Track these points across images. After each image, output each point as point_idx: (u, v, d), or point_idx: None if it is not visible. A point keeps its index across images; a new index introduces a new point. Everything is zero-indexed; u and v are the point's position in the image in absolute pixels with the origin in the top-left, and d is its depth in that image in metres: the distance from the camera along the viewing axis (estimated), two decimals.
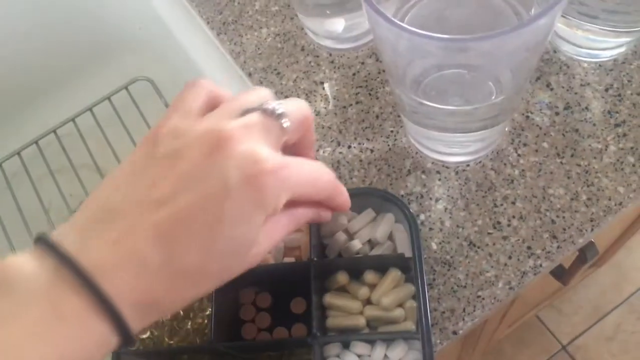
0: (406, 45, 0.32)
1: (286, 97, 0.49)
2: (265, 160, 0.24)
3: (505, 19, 0.36)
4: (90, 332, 0.20)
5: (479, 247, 0.42)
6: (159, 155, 0.24)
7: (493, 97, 0.36)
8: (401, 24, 0.28)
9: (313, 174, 0.27)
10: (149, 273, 0.21)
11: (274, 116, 0.26)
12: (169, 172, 0.23)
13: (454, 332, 0.40)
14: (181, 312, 0.39)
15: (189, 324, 0.39)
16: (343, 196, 0.30)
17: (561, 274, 0.57)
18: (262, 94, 0.28)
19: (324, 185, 0.28)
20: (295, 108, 0.27)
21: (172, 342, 0.38)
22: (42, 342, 0.19)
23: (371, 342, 0.38)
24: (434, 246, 0.42)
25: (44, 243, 0.21)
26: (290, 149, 0.28)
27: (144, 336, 0.39)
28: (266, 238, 0.26)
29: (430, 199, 0.43)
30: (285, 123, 0.26)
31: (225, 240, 0.23)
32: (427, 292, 0.37)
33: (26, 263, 0.21)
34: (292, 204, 0.27)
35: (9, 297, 0.20)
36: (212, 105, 0.27)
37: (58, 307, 0.20)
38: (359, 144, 0.46)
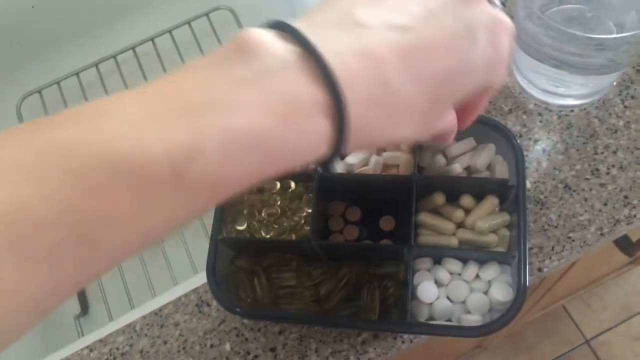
0: None
1: None
2: (508, 24, 0.25)
3: None
4: (313, 126, 0.20)
5: (574, 191, 0.42)
6: None
7: (612, 36, 0.35)
8: None
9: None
10: (385, 93, 0.21)
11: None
12: (419, 4, 0.23)
13: (539, 269, 0.41)
14: (278, 210, 0.40)
15: (286, 221, 0.39)
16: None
17: (628, 246, 0.57)
18: None
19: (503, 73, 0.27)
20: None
21: (268, 236, 0.39)
22: (265, 116, 0.19)
23: (464, 261, 0.38)
24: (528, 185, 0.42)
25: (289, 30, 0.21)
26: None
27: (241, 228, 0.40)
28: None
29: (529, 139, 0.43)
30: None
31: (454, 82, 0.24)
32: (527, 218, 0.37)
33: (272, 40, 0.20)
34: None
35: (249, 65, 0.20)
36: None
37: (295, 90, 0.20)
38: None
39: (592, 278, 1.11)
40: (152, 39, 0.76)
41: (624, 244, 0.57)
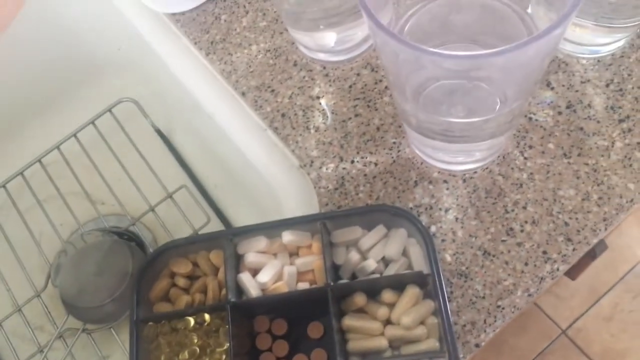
0: (411, 60, 0.31)
1: (283, 115, 0.47)
2: None
3: (510, 23, 0.35)
4: None
5: (494, 256, 0.41)
6: None
7: (497, 108, 0.35)
8: (408, 41, 0.27)
9: None
10: None
11: None
12: None
13: (477, 345, 0.39)
14: (197, 350, 0.38)
15: (207, 358, 0.37)
16: None
17: (569, 270, 0.57)
18: None
19: None
20: None
21: None
22: None
23: None
24: (448, 258, 0.41)
25: None
26: None
27: None
28: None
29: (440, 209, 0.43)
30: None
31: None
32: (449, 307, 0.36)
33: None
34: None
35: None
36: None
37: None
38: (362, 157, 0.45)
39: None
40: (57, 147, 0.73)
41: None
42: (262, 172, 0.51)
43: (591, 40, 0.43)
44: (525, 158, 0.43)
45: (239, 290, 0.39)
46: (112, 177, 0.71)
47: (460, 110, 0.35)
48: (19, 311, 0.68)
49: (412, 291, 0.38)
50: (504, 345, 1.28)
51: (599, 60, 0.45)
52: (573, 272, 0.57)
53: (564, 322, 1.29)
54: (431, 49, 0.27)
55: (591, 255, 0.51)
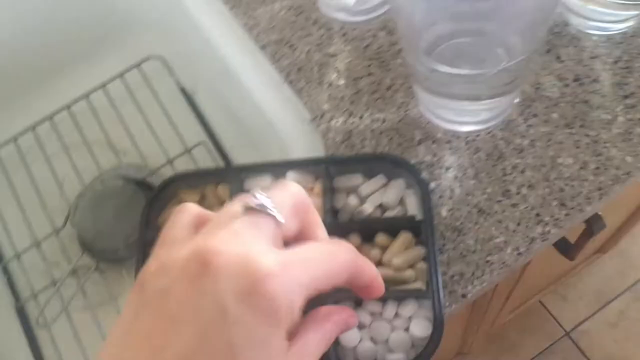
0: (422, 9, 0.33)
1: (299, 69, 0.50)
2: (262, 265, 0.20)
3: None
4: None
5: (488, 214, 0.42)
6: (148, 300, 0.21)
7: (503, 64, 0.36)
8: None
9: (325, 258, 0.23)
10: None
11: (263, 212, 0.23)
12: (160, 317, 0.20)
13: (463, 295, 0.41)
14: None
15: None
16: (371, 272, 0.25)
17: (567, 249, 0.58)
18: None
19: (342, 266, 0.23)
20: (284, 195, 0.24)
21: None
22: None
23: (383, 301, 0.39)
24: (444, 213, 0.43)
25: None
26: (296, 237, 0.24)
27: None
28: None
29: (440, 167, 0.44)
30: (278, 215, 0.23)
31: None
32: (438, 251, 0.38)
33: None
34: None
35: None
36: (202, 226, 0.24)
37: None
38: (371, 114, 0.47)
39: (562, 272, 1.13)
40: (86, 97, 0.76)
41: (564, 247, 0.58)
42: (276, 126, 0.53)
43: (602, 17, 0.44)
44: (529, 125, 0.44)
45: None
46: (136, 130, 0.75)
47: (468, 66, 0.37)
48: (38, 246, 0.71)
49: (405, 236, 0.40)
50: (506, 341, 1.29)
51: (609, 38, 0.46)
52: (571, 252, 0.58)
53: (568, 324, 1.29)
54: None
55: (588, 233, 0.52)
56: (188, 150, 0.72)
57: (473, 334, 0.91)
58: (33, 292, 0.69)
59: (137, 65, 0.77)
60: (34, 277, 0.70)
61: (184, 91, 0.78)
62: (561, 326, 1.29)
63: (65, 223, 0.72)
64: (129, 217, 0.71)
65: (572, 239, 0.58)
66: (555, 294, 1.30)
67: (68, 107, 0.75)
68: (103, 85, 0.76)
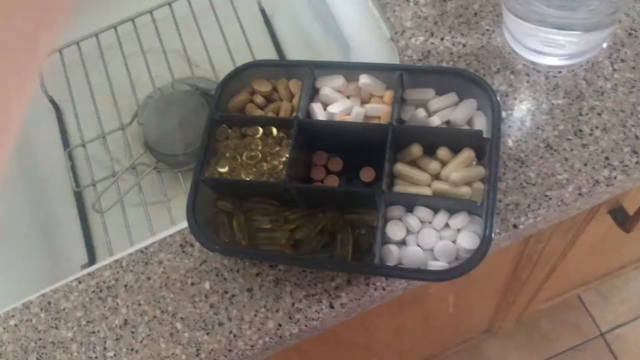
0: None
1: None
2: None
3: None
4: None
5: (555, 150, 0.42)
6: None
7: None
8: None
9: None
10: None
11: None
12: None
13: (515, 226, 0.41)
14: (259, 154, 0.41)
15: (265, 165, 0.41)
16: None
17: (624, 220, 0.56)
18: None
19: None
20: None
21: (247, 178, 0.40)
22: None
23: (435, 210, 0.39)
24: (510, 143, 0.42)
25: None
26: None
27: (223, 170, 0.41)
28: None
29: (515, 98, 0.44)
30: None
31: None
32: (499, 173, 0.38)
33: None
34: None
35: None
36: None
37: None
38: (452, 37, 0.46)
39: (609, 268, 1.10)
40: (169, 3, 0.78)
41: (620, 217, 0.56)
42: (353, 46, 0.54)
43: None
44: (614, 69, 0.43)
45: (309, 116, 0.42)
46: (211, 44, 0.76)
47: None
48: (104, 138, 0.74)
49: (467, 153, 0.39)
50: (536, 331, 1.27)
51: None
52: (629, 223, 0.56)
53: (605, 325, 1.26)
54: None
55: None
56: None
57: (507, 306, 0.90)
58: (93, 180, 0.72)
59: None
60: (96, 166, 0.73)
61: (263, 12, 0.79)
62: (597, 326, 1.26)
63: (132, 120, 0.75)
64: (192, 126, 0.73)
65: (631, 209, 0.57)
66: (596, 293, 1.27)
67: (150, 11, 0.77)
68: None
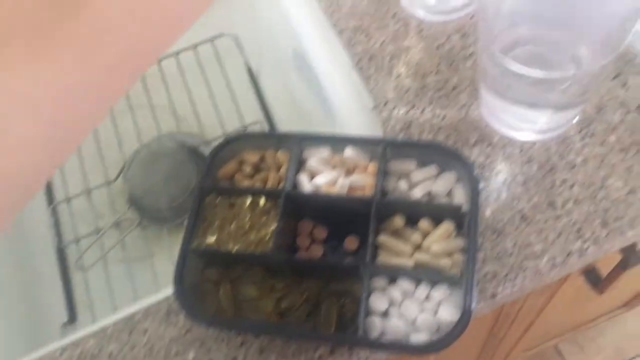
0: (505, 10, 0.34)
1: (371, 57, 0.52)
2: None
3: None
4: None
5: (530, 222, 0.44)
6: None
7: (572, 71, 0.38)
8: None
9: None
10: None
11: None
12: None
13: (493, 295, 0.42)
14: (247, 224, 0.42)
15: (253, 235, 0.42)
16: None
17: (597, 281, 0.58)
18: None
19: None
20: None
21: (235, 249, 0.41)
22: None
23: (417, 282, 0.40)
24: (488, 213, 0.44)
25: None
26: None
27: (211, 240, 0.42)
28: None
29: (492, 170, 0.46)
30: None
31: None
32: (477, 245, 0.39)
33: None
34: None
35: None
36: None
37: None
38: (433, 109, 0.48)
39: (583, 319, 1.11)
40: (159, 62, 0.80)
41: (594, 279, 0.58)
42: (336, 111, 0.56)
43: None
44: (584, 144, 0.45)
45: (296, 187, 0.44)
46: (199, 100, 0.78)
47: (538, 72, 0.39)
48: (88, 194, 0.75)
49: (448, 225, 0.41)
50: None
51: None
52: (602, 285, 0.58)
53: None
54: None
55: (623, 264, 0.53)
56: (244, 127, 0.75)
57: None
58: (76, 236, 0.72)
59: (211, 40, 0.81)
60: (80, 222, 0.74)
61: (250, 70, 0.81)
62: None
63: (118, 176, 0.75)
64: (178, 181, 0.74)
65: (605, 271, 0.59)
66: (573, 343, 1.28)
67: None
68: (176, 54, 0.80)
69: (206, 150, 0.75)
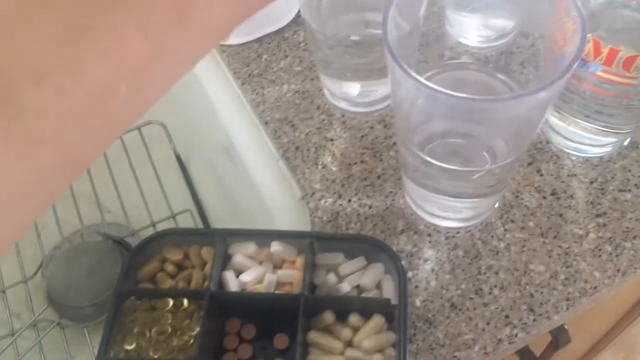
0: (420, 106, 0.35)
1: (297, 148, 0.52)
2: None
3: None
4: None
5: (459, 310, 0.44)
6: None
7: (487, 165, 0.39)
8: (424, 81, 0.32)
9: None
10: None
11: None
12: None
13: None
14: (169, 329, 0.40)
15: (175, 341, 0.39)
16: None
17: None
18: None
19: None
20: None
21: (156, 356, 0.39)
22: None
23: None
24: (418, 303, 0.44)
25: None
26: None
27: (130, 347, 0.39)
28: None
29: (419, 258, 0.46)
30: None
31: None
32: (408, 340, 0.39)
33: None
34: None
35: None
36: None
37: None
38: (359, 199, 0.49)
39: None
40: None
41: (528, 359, 0.58)
42: (265, 200, 0.55)
43: (582, 139, 0.48)
44: (506, 230, 0.47)
45: (221, 285, 0.42)
46: (124, 189, 0.76)
47: (457, 164, 0.40)
48: (3, 292, 0.70)
49: (378, 320, 0.40)
50: None
51: (587, 160, 0.49)
52: None
53: None
54: (442, 89, 0.31)
55: (554, 345, 0.53)
56: (173, 216, 0.73)
57: None
58: None
59: (138, 128, 0.80)
60: None
61: (178, 158, 0.80)
62: None
63: (35, 273, 0.71)
64: (101, 276, 0.70)
65: (538, 351, 0.59)
66: None
67: None
68: None
69: (133, 242, 0.72)
